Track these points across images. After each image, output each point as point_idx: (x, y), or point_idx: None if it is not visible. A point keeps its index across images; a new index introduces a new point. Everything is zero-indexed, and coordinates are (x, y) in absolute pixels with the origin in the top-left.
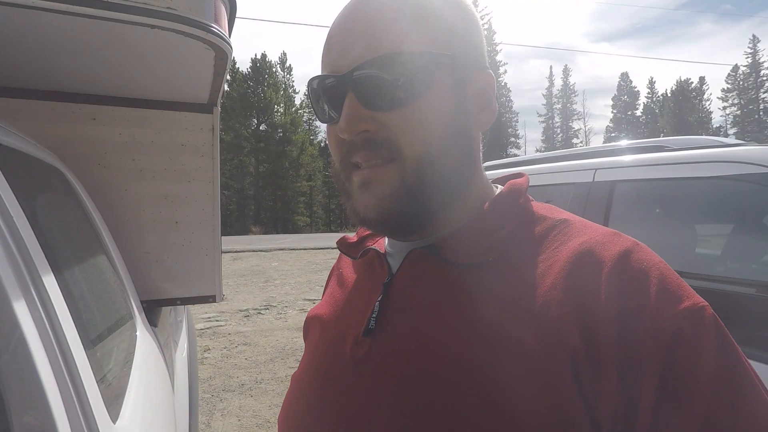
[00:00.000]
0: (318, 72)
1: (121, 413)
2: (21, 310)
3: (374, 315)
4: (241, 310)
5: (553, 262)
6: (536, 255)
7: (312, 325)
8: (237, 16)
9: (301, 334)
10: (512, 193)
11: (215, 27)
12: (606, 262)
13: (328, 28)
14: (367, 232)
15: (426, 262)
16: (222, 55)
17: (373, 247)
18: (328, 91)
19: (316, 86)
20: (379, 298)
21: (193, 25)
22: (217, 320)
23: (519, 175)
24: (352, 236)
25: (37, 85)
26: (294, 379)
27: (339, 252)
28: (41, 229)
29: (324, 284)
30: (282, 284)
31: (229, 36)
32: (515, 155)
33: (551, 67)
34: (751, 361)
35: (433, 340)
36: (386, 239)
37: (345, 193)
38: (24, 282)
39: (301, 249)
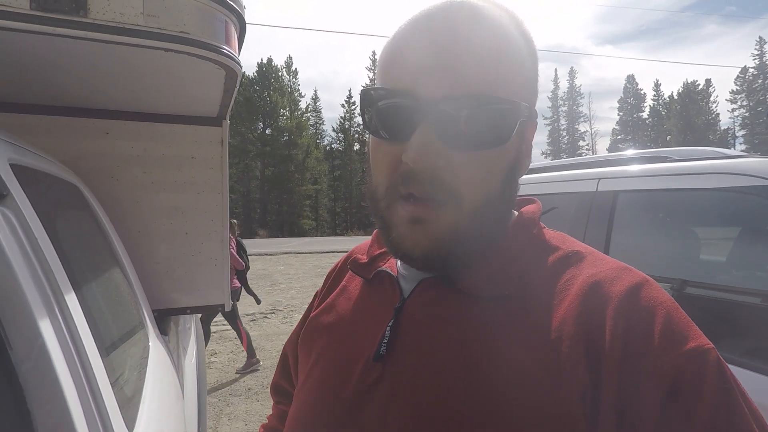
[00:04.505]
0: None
1: (137, 420)
2: (43, 321)
3: (385, 341)
4: (247, 315)
5: (565, 295)
6: (550, 288)
7: (317, 338)
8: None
9: None
10: (527, 223)
11: (226, 48)
12: (613, 297)
13: (400, 32)
14: (378, 252)
15: (440, 290)
16: (232, 74)
17: (384, 268)
18: (397, 108)
19: (379, 98)
20: (390, 323)
21: (205, 48)
22: (224, 324)
23: (531, 200)
24: (362, 257)
25: (52, 101)
26: (298, 397)
27: (340, 260)
28: (61, 245)
29: (323, 283)
30: (288, 288)
31: (240, 53)
32: None
33: (556, 69)
34: (756, 374)
35: (446, 373)
36: (398, 260)
37: (382, 221)
38: (46, 295)
39: (306, 252)
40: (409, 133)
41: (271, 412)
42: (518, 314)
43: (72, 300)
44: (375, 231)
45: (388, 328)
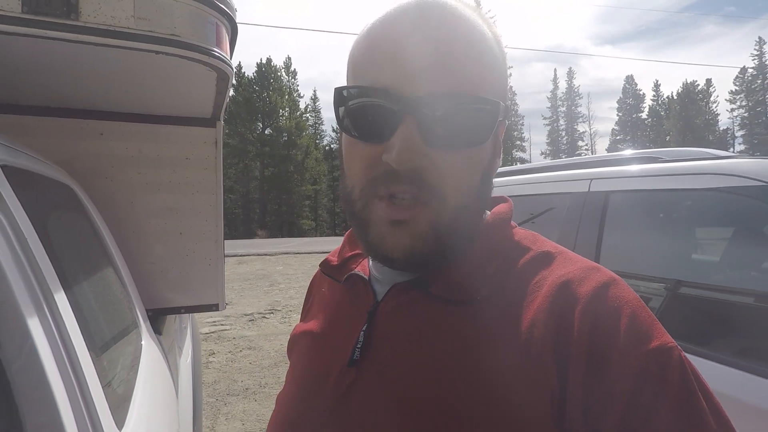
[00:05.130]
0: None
1: (126, 419)
2: (32, 321)
3: (359, 345)
4: (245, 314)
5: (536, 296)
6: (522, 290)
7: (297, 344)
8: (243, 21)
9: None
10: (498, 224)
11: (216, 51)
12: (581, 297)
13: (373, 30)
14: (350, 254)
15: (413, 293)
16: (223, 76)
17: (357, 272)
18: (376, 107)
19: (355, 96)
20: (364, 328)
21: (196, 50)
22: (222, 324)
23: (502, 199)
24: (334, 258)
25: (46, 102)
26: (279, 402)
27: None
28: (51, 246)
29: (305, 298)
30: (287, 288)
31: (232, 55)
32: (521, 158)
33: (555, 69)
34: (748, 374)
35: (420, 376)
36: (370, 261)
37: (358, 220)
38: (35, 296)
39: (305, 253)
40: (390, 133)
41: (268, 413)
42: (491, 317)
43: (62, 300)
44: (347, 233)
45: (362, 332)
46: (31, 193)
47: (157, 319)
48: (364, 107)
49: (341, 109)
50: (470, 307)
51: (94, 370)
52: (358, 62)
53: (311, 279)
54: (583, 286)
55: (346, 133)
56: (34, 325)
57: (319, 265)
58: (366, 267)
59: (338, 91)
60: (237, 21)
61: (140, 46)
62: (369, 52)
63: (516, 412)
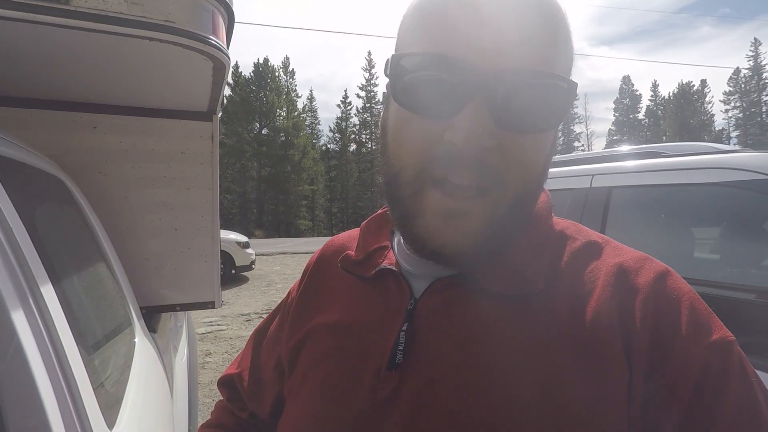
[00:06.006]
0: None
1: (118, 419)
2: (18, 319)
3: (400, 347)
4: (242, 315)
5: (593, 287)
6: (576, 282)
7: (312, 338)
8: (240, 21)
9: None
10: (542, 214)
11: (213, 39)
12: (640, 288)
13: None
14: (374, 247)
15: (459, 289)
16: (220, 65)
17: (387, 266)
18: (441, 80)
19: (418, 67)
20: (404, 328)
21: (191, 38)
22: (218, 324)
23: None
24: (354, 253)
25: (38, 94)
26: (300, 406)
27: (315, 255)
28: (40, 239)
29: (301, 283)
30: (284, 288)
31: (228, 46)
32: None
33: None
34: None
35: (478, 379)
36: (396, 253)
37: (403, 209)
38: (22, 291)
39: (303, 253)
40: (456, 110)
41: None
42: (550, 311)
43: (51, 296)
44: (363, 224)
45: (402, 333)
46: (19, 183)
47: (151, 317)
48: (427, 79)
49: (397, 79)
50: (526, 302)
51: (84, 370)
52: (420, 25)
53: (306, 266)
54: (641, 276)
55: (402, 107)
56: (21, 323)
57: (339, 262)
58: (394, 261)
59: (395, 59)
60: (235, 18)
61: (133, 32)
62: (435, 14)
63: (591, 406)
